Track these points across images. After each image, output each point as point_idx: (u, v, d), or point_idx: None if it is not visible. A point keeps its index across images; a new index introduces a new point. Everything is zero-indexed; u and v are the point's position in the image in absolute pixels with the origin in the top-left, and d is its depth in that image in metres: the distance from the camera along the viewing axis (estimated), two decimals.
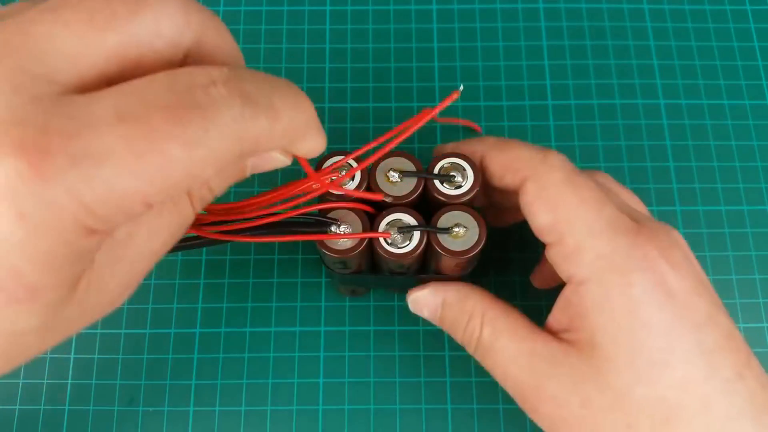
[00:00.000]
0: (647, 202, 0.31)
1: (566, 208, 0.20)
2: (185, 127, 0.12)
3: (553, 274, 0.22)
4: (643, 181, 0.31)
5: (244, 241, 0.21)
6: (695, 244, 0.30)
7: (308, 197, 0.21)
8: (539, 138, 0.31)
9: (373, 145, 0.20)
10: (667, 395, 0.19)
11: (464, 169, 0.22)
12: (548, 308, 0.22)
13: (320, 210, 0.22)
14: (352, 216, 0.22)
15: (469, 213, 0.22)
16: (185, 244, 0.21)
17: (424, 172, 0.22)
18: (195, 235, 0.20)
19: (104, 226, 0.13)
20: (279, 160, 0.16)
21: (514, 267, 0.29)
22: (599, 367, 0.20)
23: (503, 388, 0.22)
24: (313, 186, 0.20)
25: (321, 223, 0.21)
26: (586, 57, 0.33)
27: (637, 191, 0.31)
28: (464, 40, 0.33)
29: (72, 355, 0.28)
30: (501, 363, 0.22)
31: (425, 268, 0.24)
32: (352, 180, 0.22)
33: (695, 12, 0.34)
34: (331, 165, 0.21)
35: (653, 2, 0.34)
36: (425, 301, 0.24)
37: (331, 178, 0.21)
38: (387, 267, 0.23)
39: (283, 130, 0.14)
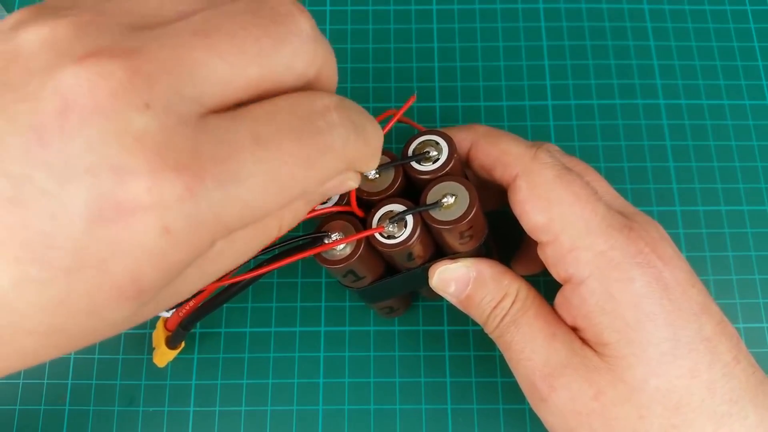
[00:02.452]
0: (647, 203, 0.31)
1: (560, 207, 0.20)
2: (309, 150, 0.14)
3: (538, 259, 0.22)
4: (643, 181, 0.31)
5: (251, 282, 0.21)
6: (695, 244, 0.30)
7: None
8: (539, 138, 0.31)
9: None
10: (677, 384, 0.19)
11: (437, 143, 0.22)
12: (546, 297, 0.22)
13: (308, 223, 0.22)
14: (344, 224, 0.21)
15: (453, 181, 0.21)
16: (195, 313, 0.22)
17: (399, 159, 0.22)
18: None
19: (226, 236, 0.14)
20: (352, 183, 0.17)
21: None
22: (610, 364, 0.20)
23: (513, 372, 0.22)
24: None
25: (314, 239, 0.21)
26: (586, 57, 0.33)
27: (637, 191, 0.31)
28: (464, 40, 0.33)
29: (72, 355, 0.28)
30: (518, 341, 0.21)
31: (441, 253, 0.23)
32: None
33: (695, 12, 0.34)
34: None
35: (653, 2, 0.34)
36: (456, 274, 0.23)
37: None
38: (401, 264, 0.23)
39: (372, 152, 0.16)
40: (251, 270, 0.21)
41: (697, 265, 0.30)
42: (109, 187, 0.12)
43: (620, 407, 0.20)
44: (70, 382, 0.28)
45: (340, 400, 0.28)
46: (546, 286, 0.28)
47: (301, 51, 0.14)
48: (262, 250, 0.21)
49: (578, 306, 0.20)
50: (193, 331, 0.29)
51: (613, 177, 0.31)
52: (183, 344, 0.26)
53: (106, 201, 0.12)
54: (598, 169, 0.31)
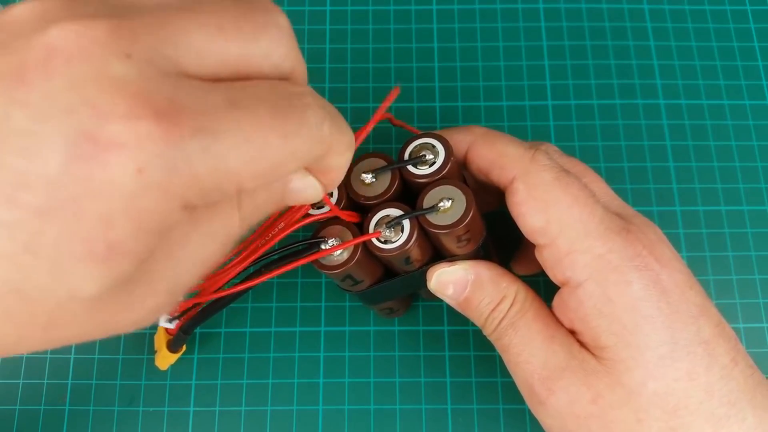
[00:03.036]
0: (647, 203, 0.31)
1: (558, 210, 0.20)
2: (284, 121, 0.14)
3: (536, 259, 0.22)
4: (643, 181, 0.31)
5: (247, 290, 0.21)
6: (695, 244, 0.30)
7: (285, 233, 0.21)
8: (539, 138, 0.31)
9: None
10: (675, 387, 0.19)
11: (433, 147, 0.21)
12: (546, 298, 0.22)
13: (305, 229, 0.22)
14: (341, 229, 0.21)
15: (450, 185, 0.21)
16: (195, 319, 0.22)
17: (395, 163, 0.22)
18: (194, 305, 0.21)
19: (200, 203, 0.14)
20: (313, 191, 0.17)
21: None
22: (609, 368, 0.20)
23: (511, 374, 0.22)
24: (279, 227, 0.21)
25: (311, 245, 0.21)
26: (586, 57, 0.33)
27: (637, 191, 0.31)
28: (464, 40, 0.33)
29: (72, 355, 0.28)
30: (517, 343, 0.21)
31: (439, 255, 0.23)
32: (331, 196, 0.22)
33: (695, 12, 0.34)
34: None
35: (653, 2, 0.34)
36: (454, 277, 0.23)
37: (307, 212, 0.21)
38: (400, 267, 0.23)
39: (346, 143, 0.16)
40: (249, 277, 0.21)
41: (697, 265, 0.30)
42: (87, 124, 0.12)
43: (618, 410, 0.19)
44: (70, 382, 0.28)
45: (340, 400, 0.28)
46: (546, 287, 0.28)
47: (279, 42, 0.15)
48: (257, 259, 0.21)
49: (576, 309, 0.20)
50: (193, 330, 0.29)
51: (613, 177, 0.31)
52: (184, 348, 0.26)
53: (83, 137, 0.12)
54: (598, 169, 0.31)
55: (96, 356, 0.28)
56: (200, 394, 0.28)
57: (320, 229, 0.22)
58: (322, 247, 0.21)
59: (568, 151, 0.31)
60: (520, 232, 0.22)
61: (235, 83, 0.14)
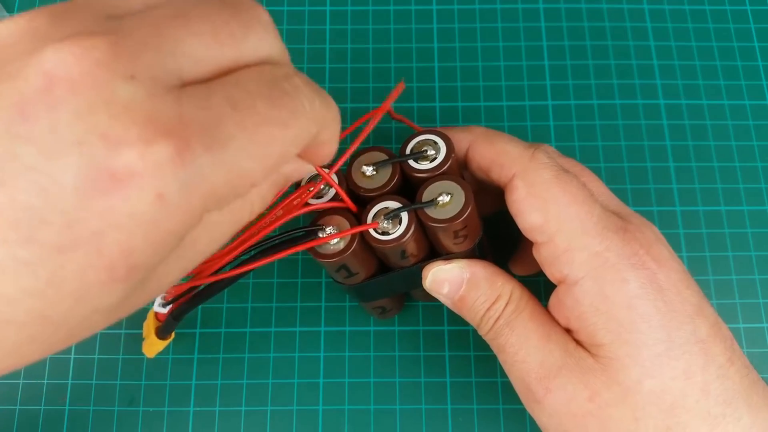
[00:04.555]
0: (647, 203, 0.31)
1: (557, 207, 0.20)
2: (280, 110, 0.14)
3: (534, 260, 0.22)
4: (643, 181, 0.31)
5: (244, 274, 0.21)
6: (695, 244, 0.30)
7: (283, 219, 0.21)
8: (539, 138, 0.31)
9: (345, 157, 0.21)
10: (671, 385, 0.19)
11: (435, 143, 0.22)
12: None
13: (304, 217, 0.22)
14: (339, 219, 0.22)
15: (450, 180, 0.21)
16: (188, 304, 0.22)
17: (396, 157, 0.22)
18: (189, 288, 0.21)
19: (216, 208, 0.14)
20: (307, 170, 0.18)
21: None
22: (605, 366, 0.20)
23: (508, 374, 0.22)
24: (277, 214, 0.21)
25: (309, 233, 0.21)
26: (586, 57, 0.33)
27: (637, 191, 0.31)
28: (464, 40, 0.33)
29: (72, 355, 0.28)
30: (513, 343, 0.21)
31: (435, 253, 0.23)
32: (330, 190, 0.22)
33: (695, 12, 0.34)
34: (307, 184, 0.22)
35: (653, 2, 0.34)
36: (449, 275, 0.22)
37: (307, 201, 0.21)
38: (395, 262, 0.23)
39: (333, 116, 0.16)
40: (246, 262, 0.21)
41: (697, 265, 0.30)
42: (101, 156, 0.12)
43: (615, 409, 0.20)
44: (70, 382, 0.28)
45: (340, 400, 0.28)
46: (545, 287, 0.28)
47: (265, 37, 0.15)
48: (255, 244, 0.21)
49: (572, 307, 0.20)
50: (193, 331, 0.29)
51: (613, 177, 0.31)
52: (173, 335, 0.26)
53: (98, 170, 0.12)
54: (598, 169, 0.31)
55: (96, 356, 0.28)
56: (200, 394, 0.28)
57: (319, 218, 0.22)
58: (320, 234, 0.21)
59: (568, 151, 0.31)
60: (518, 232, 0.22)
61: (227, 79, 0.14)
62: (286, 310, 0.29)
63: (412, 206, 0.21)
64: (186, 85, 0.13)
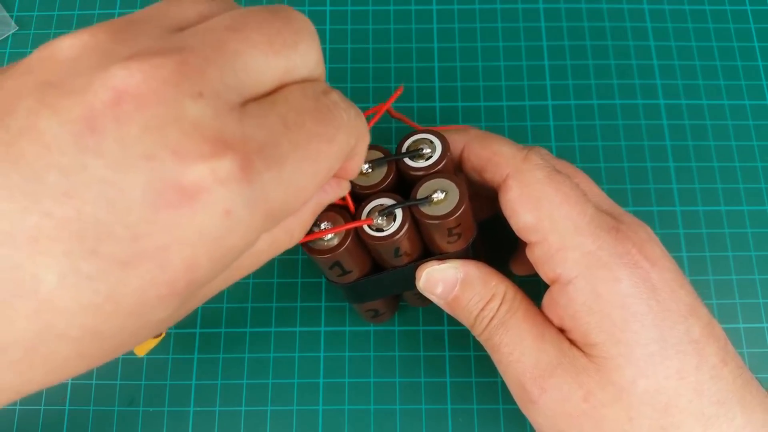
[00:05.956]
0: (647, 203, 0.31)
1: (549, 207, 0.20)
2: (327, 126, 0.15)
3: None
4: (643, 181, 0.31)
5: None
6: (695, 244, 0.30)
7: None
8: (539, 138, 0.31)
9: None
10: (665, 385, 0.19)
11: (431, 142, 0.22)
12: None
13: None
14: (334, 215, 0.22)
15: (444, 178, 0.21)
16: None
17: (392, 155, 0.22)
18: None
19: (273, 227, 0.14)
20: (342, 188, 0.19)
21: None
22: (599, 365, 0.20)
23: (502, 375, 0.22)
24: None
25: None
26: (586, 57, 0.33)
27: (637, 191, 0.31)
28: (464, 40, 0.33)
29: None
30: (507, 343, 0.21)
31: (428, 253, 0.23)
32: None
33: (695, 12, 0.34)
34: None
35: (653, 2, 0.34)
36: (443, 275, 0.22)
37: None
38: (389, 261, 0.23)
39: (365, 128, 0.17)
40: None
41: (697, 265, 0.30)
42: (170, 170, 0.12)
43: (609, 409, 0.20)
44: (70, 382, 0.28)
45: (340, 400, 0.28)
46: (544, 287, 0.28)
47: (313, 46, 0.16)
48: None
49: (565, 306, 0.20)
50: (193, 331, 0.29)
51: (613, 177, 0.31)
52: (163, 334, 0.25)
53: (167, 184, 0.12)
54: (598, 169, 0.31)
55: None
56: (200, 394, 0.28)
57: None
58: (314, 229, 0.21)
59: (569, 151, 0.31)
60: (513, 232, 0.22)
61: (277, 97, 0.14)
62: (286, 310, 0.29)
63: (407, 203, 0.21)
64: (246, 101, 0.14)
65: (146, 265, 0.12)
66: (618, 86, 0.32)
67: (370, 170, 0.22)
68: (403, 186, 0.22)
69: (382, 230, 0.21)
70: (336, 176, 0.18)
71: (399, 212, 0.21)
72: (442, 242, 0.22)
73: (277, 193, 0.13)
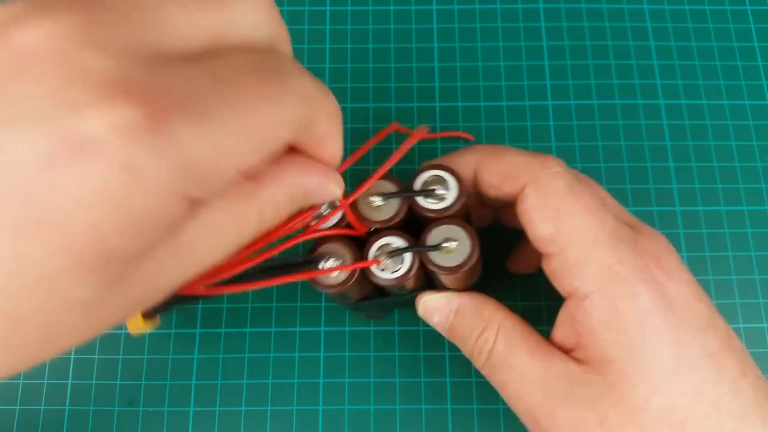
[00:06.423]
0: (647, 203, 0.31)
1: (569, 218, 0.20)
2: (269, 87, 0.13)
3: (535, 259, 0.22)
4: (643, 181, 0.31)
5: (237, 292, 0.20)
6: (695, 244, 0.30)
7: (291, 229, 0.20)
8: (539, 138, 0.31)
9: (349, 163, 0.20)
10: (681, 402, 0.19)
11: (445, 181, 0.21)
12: (548, 308, 0.22)
13: (307, 245, 0.21)
14: (340, 247, 0.21)
15: (457, 225, 0.21)
16: (173, 301, 0.21)
17: (405, 191, 0.21)
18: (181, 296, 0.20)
19: (201, 193, 0.13)
20: (332, 193, 0.17)
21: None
22: (613, 383, 0.19)
23: (512, 408, 0.22)
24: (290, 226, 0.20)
25: (309, 261, 0.21)
26: (586, 57, 0.33)
27: (637, 191, 0.31)
28: (464, 40, 0.33)
29: (72, 355, 0.28)
30: (513, 380, 0.21)
31: (431, 283, 0.24)
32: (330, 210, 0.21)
33: (695, 12, 0.34)
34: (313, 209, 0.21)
35: (653, 2, 0.34)
36: (437, 305, 0.23)
37: (315, 215, 0.20)
38: (391, 291, 0.23)
39: (334, 108, 0.16)
40: (242, 279, 0.20)
41: (697, 265, 0.30)
42: (59, 125, 0.11)
43: (626, 429, 0.19)
44: (70, 382, 0.28)
45: (340, 400, 0.28)
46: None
47: (255, 10, 0.14)
48: (257, 264, 0.20)
49: (583, 321, 0.20)
50: (193, 331, 0.29)
51: (613, 177, 0.31)
52: (157, 321, 0.24)
53: (59, 138, 0.11)
54: (598, 169, 0.31)
55: (96, 356, 0.28)
56: (200, 394, 0.28)
57: (318, 245, 0.22)
58: (321, 265, 0.21)
59: (568, 151, 0.31)
60: (514, 233, 0.22)
61: (211, 55, 0.13)
62: (286, 310, 0.29)
63: (418, 248, 0.21)
64: (170, 59, 0.13)
65: (43, 231, 0.11)
66: (618, 86, 0.32)
67: (382, 203, 0.21)
68: (414, 222, 0.22)
69: (389, 270, 0.21)
70: (318, 160, 0.17)
71: (407, 255, 0.21)
72: (447, 283, 0.22)
73: (199, 149, 0.12)
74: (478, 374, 0.28)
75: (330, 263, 0.21)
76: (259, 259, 0.20)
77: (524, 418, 0.21)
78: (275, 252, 0.20)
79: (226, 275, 0.20)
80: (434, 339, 0.29)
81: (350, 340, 0.29)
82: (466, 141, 0.31)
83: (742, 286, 0.29)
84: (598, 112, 0.32)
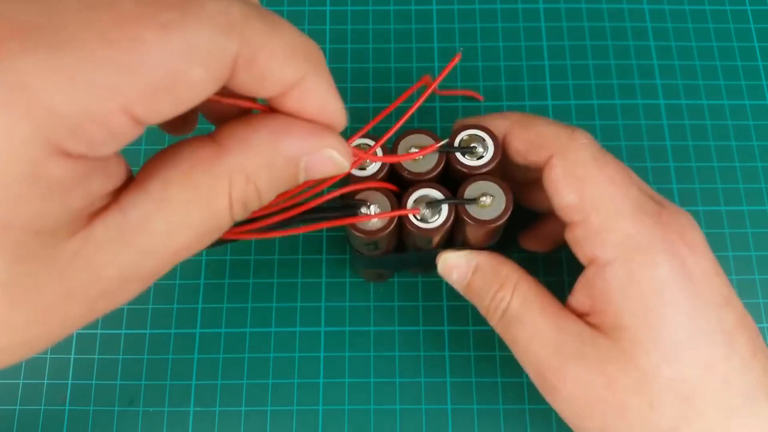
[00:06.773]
0: None
1: (594, 187, 0.20)
2: (159, 9, 0.11)
3: (549, 238, 0.22)
4: (643, 181, 0.31)
5: (275, 237, 0.20)
6: None
7: (330, 182, 0.19)
8: None
9: (377, 120, 0.20)
10: (690, 374, 0.19)
11: (484, 140, 0.22)
12: (570, 284, 0.22)
13: (344, 194, 0.21)
14: (379, 196, 0.22)
15: (494, 182, 0.22)
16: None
17: (445, 147, 0.22)
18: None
19: (80, 147, 0.11)
20: (333, 161, 0.15)
21: None
22: (625, 349, 0.20)
23: (521, 364, 0.22)
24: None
25: (350, 206, 0.21)
26: (586, 57, 0.33)
27: None
28: (464, 40, 0.33)
29: (72, 355, 0.28)
30: (525, 337, 0.21)
31: (452, 241, 0.24)
32: (373, 164, 0.22)
33: (695, 12, 0.34)
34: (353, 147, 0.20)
35: (653, 2, 0.34)
36: (457, 262, 0.23)
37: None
38: (414, 244, 0.23)
39: (287, 45, 0.13)
40: (282, 224, 0.19)
41: None
42: None
43: (632, 396, 0.19)
44: (70, 382, 0.28)
45: (340, 400, 0.28)
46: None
47: None
48: (295, 215, 0.19)
49: (601, 288, 0.20)
50: (193, 331, 0.29)
51: None
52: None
53: None
54: None
55: (96, 356, 0.28)
56: (200, 394, 0.28)
57: (355, 193, 0.22)
58: (363, 211, 0.21)
59: None
60: (527, 211, 0.22)
61: None
62: (286, 310, 0.29)
63: (456, 201, 0.21)
64: None
65: None
66: (618, 86, 0.32)
67: (420, 158, 0.22)
68: (447, 176, 0.23)
69: (426, 221, 0.21)
70: (306, 118, 0.15)
71: (445, 207, 0.21)
72: (473, 238, 0.23)
73: (60, 88, 0.10)
74: (478, 374, 0.28)
75: (372, 210, 0.21)
76: (300, 210, 0.19)
77: (532, 375, 0.22)
78: (316, 203, 0.20)
79: (264, 224, 0.19)
80: (434, 339, 0.29)
81: (350, 340, 0.29)
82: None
83: (742, 286, 0.29)
84: (598, 112, 0.32)
